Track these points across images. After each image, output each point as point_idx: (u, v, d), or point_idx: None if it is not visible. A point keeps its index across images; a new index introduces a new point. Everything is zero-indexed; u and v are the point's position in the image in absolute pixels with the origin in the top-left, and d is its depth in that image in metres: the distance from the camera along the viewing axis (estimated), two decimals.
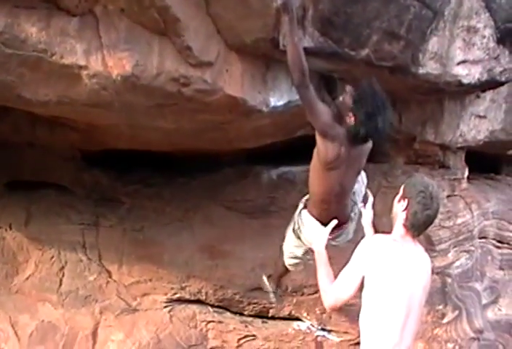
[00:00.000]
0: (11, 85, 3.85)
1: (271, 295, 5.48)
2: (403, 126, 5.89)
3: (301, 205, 4.67)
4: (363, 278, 3.90)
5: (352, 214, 4.73)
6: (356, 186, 4.72)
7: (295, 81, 3.96)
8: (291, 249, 4.85)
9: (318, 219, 4.51)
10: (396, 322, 3.91)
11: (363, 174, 4.84)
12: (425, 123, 6.06)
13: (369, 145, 4.48)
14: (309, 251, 4.67)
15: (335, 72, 4.77)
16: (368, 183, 4.90)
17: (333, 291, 3.98)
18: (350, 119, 4.12)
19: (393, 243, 3.94)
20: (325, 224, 4.47)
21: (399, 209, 3.98)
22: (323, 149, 4.18)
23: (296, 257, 4.87)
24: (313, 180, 4.43)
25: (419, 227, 3.97)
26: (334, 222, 4.36)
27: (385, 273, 3.88)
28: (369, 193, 4.79)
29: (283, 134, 4.90)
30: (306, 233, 4.40)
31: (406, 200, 3.94)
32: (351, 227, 4.75)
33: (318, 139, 4.17)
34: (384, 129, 4.18)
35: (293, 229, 4.69)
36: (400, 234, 3.98)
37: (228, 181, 6.07)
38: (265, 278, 5.41)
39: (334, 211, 4.49)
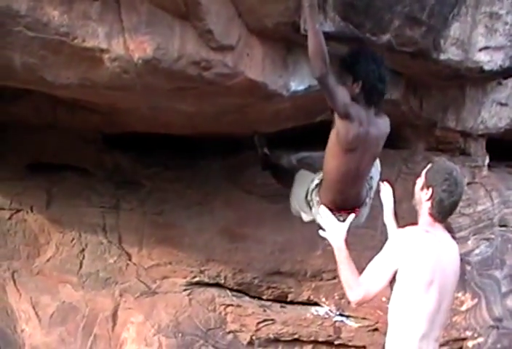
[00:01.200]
0: (33, 67, 3.85)
1: (259, 150, 5.51)
2: (423, 112, 5.86)
3: (316, 181, 4.66)
4: (395, 271, 3.84)
5: (367, 199, 4.71)
6: (373, 170, 4.72)
7: (317, 72, 3.93)
8: (298, 208, 4.84)
9: (332, 205, 4.48)
10: (427, 313, 3.87)
11: (377, 160, 4.85)
12: (446, 109, 6.03)
13: (387, 128, 4.51)
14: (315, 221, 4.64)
15: None
16: (382, 170, 4.88)
17: (363, 284, 3.89)
18: (353, 86, 4.19)
19: (427, 235, 3.89)
20: (339, 208, 4.47)
21: (423, 198, 3.96)
22: (343, 130, 4.18)
23: (300, 214, 4.88)
24: (329, 162, 4.42)
25: (445, 214, 3.94)
26: (352, 216, 4.32)
27: (420, 264, 3.83)
28: (381, 184, 4.74)
29: (303, 118, 4.90)
30: (323, 227, 4.33)
31: (431, 189, 3.91)
32: (365, 211, 4.74)
33: (338, 121, 4.17)
34: (385, 77, 4.27)
35: (305, 196, 4.69)
36: (429, 223, 3.94)
37: (248, 165, 6.06)
38: (255, 137, 5.49)
39: (349, 195, 4.49)
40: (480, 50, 5.12)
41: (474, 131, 6.32)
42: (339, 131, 4.22)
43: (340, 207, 4.51)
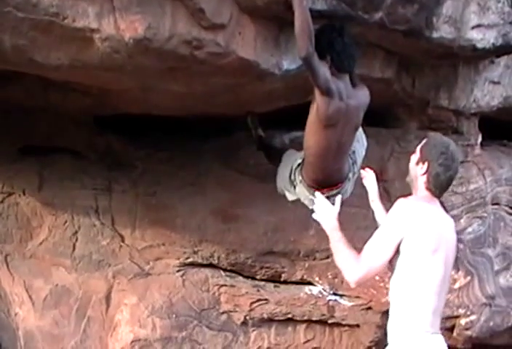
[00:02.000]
0: (23, 49, 3.84)
1: (253, 131, 5.53)
2: (416, 90, 5.85)
3: (299, 160, 4.68)
4: (400, 242, 3.79)
5: (350, 174, 4.72)
6: (357, 145, 4.73)
7: (303, 51, 3.95)
8: (283, 187, 4.87)
9: (315, 182, 4.50)
10: (434, 286, 3.84)
11: (363, 136, 4.86)
12: (439, 88, 6.03)
13: (367, 98, 4.53)
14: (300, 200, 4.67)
15: None
16: (373, 149, 4.87)
17: (364, 262, 3.82)
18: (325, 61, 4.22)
19: (429, 206, 3.89)
20: (322, 186, 4.47)
21: (419, 173, 3.93)
22: (323, 105, 4.20)
23: (284, 193, 4.90)
24: (309, 139, 4.45)
25: (441, 189, 3.92)
26: (340, 197, 4.31)
27: (426, 232, 3.81)
28: (363, 171, 4.71)
29: (296, 97, 4.88)
30: (314, 211, 4.29)
31: (426, 163, 3.88)
32: (348, 186, 4.74)
33: (319, 97, 4.19)
34: (350, 44, 4.29)
35: (289, 175, 4.73)
36: (428, 196, 3.92)
37: (241, 145, 6.06)
38: (248, 118, 5.51)
39: (331, 170, 4.50)
40: (472, 28, 5.12)
41: (467, 109, 6.32)
42: (319, 106, 4.24)
43: (323, 184, 4.53)
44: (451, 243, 3.98)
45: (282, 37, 4.35)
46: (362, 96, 4.53)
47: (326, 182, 4.53)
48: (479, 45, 5.22)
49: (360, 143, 4.86)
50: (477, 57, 5.61)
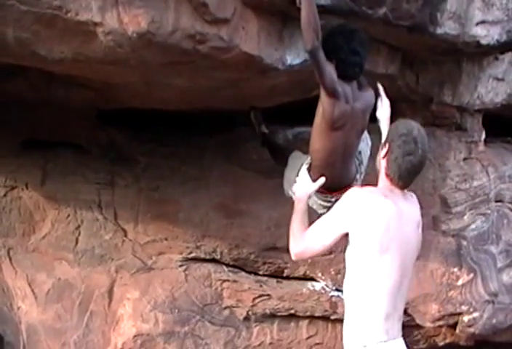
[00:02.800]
0: (26, 42, 3.83)
1: (257, 128, 5.51)
2: (420, 86, 5.84)
3: (305, 166, 4.64)
4: (344, 234, 3.66)
5: (357, 175, 4.70)
6: (362, 145, 4.71)
7: (309, 43, 3.95)
8: (291, 190, 4.73)
9: (323, 186, 4.40)
10: (388, 289, 3.65)
11: (367, 135, 4.85)
12: (443, 84, 6.01)
13: (372, 100, 4.52)
14: None
15: None
16: (372, 144, 4.86)
17: (305, 239, 3.76)
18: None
19: (383, 199, 3.66)
20: (330, 188, 4.43)
21: (381, 156, 3.74)
22: (329, 108, 4.19)
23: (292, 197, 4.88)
24: (316, 142, 4.43)
25: (401, 176, 3.67)
26: (323, 179, 4.27)
27: (376, 233, 3.61)
28: (379, 85, 4.69)
29: (299, 92, 4.88)
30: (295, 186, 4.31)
31: (387, 145, 3.69)
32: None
33: (324, 98, 4.19)
34: (358, 50, 4.26)
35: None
36: (387, 187, 3.71)
37: (244, 140, 6.06)
38: (252, 114, 5.49)
39: (339, 173, 4.47)
40: (477, 24, 5.10)
41: (470, 106, 6.30)
42: (325, 109, 4.23)
43: (332, 188, 4.50)
44: (410, 241, 3.78)
45: (286, 32, 4.34)
46: (368, 97, 4.52)
47: (335, 185, 4.48)
48: (483, 41, 5.20)
49: (365, 143, 4.83)
50: (481, 53, 5.60)
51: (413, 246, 3.83)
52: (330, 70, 4.16)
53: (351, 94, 4.30)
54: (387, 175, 3.72)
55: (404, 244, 3.71)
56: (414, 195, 3.98)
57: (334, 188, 4.50)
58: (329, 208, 4.51)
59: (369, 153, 4.91)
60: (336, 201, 4.17)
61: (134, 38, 3.74)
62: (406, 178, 3.70)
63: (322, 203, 4.59)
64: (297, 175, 4.68)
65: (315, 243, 3.76)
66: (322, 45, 4.04)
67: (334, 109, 4.21)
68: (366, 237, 3.63)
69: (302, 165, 4.69)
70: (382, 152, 3.75)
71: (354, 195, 3.74)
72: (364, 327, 3.68)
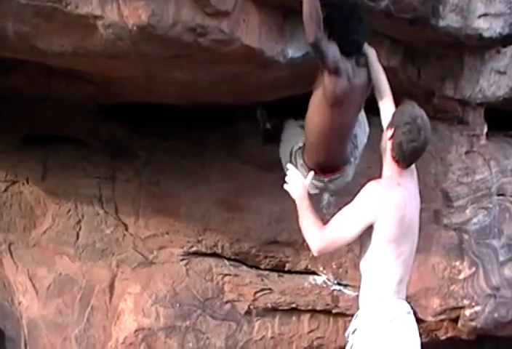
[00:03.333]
0: (26, 36, 3.83)
1: (261, 125, 5.55)
2: (421, 80, 5.82)
3: (300, 143, 4.70)
4: (369, 224, 3.89)
5: (352, 159, 4.75)
6: (358, 130, 4.73)
7: (312, 36, 3.96)
8: (284, 165, 4.78)
9: (316, 166, 4.51)
10: (403, 258, 4.01)
11: (366, 123, 4.87)
12: (445, 78, 5.99)
13: (368, 76, 4.51)
14: None
15: None
16: (371, 134, 4.88)
17: (328, 233, 3.89)
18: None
19: (399, 189, 3.96)
20: (324, 170, 4.52)
21: (387, 136, 3.99)
22: (330, 84, 4.21)
23: None
24: (313, 119, 4.46)
25: (405, 158, 3.96)
26: (312, 174, 4.29)
27: (397, 220, 3.92)
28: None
29: (301, 86, 4.86)
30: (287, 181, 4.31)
31: (393, 128, 3.94)
32: (350, 170, 4.77)
33: (327, 77, 4.21)
34: (355, 27, 4.28)
35: (290, 156, 4.80)
36: (396, 172, 3.99)
37: (245, 135, 6.04)
38: (258, 112, 5.52)
39: (334, 152, 4.50)
40: (479, 17, 5.09)
41: (472, 99, 6.28)
42: (326, 85, 4.25)
43: (325, 168, 4.54)
44: (415, 213, 4.11)
45: (287, 25, 4.33)
46: (365, 74, 4.53)
47: (329, 165, 4.55)
48: (486, 34, 5.19)
49: (362, 129, 4.87)
50: (483, 46, 5.58)
51: (417, 215, 4.16)
52: (334, 52, 4.17)
53: (351, 71, 4.32)
54: (392, 157, 3.98)
55: (413, 219, 4.08)
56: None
57: (327, 169, 4.59)
58: (321, 189, 4.73)
59: (365, 140, 4.95)
60: (329, 181, 4.55)
61: (134, 32, 3.73)
62: (409, 160, 4.01)
63: (315, 182, 4.61)
64: (290, 153, 4.79)
65: (340, 236, 3.92)
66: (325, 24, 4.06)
67: (335, 85, 4.24)
68: (389, 222, 3.91)
69: (297, 143, 4.74)
70: (388, 133, 3.99)
71: (374, 189, 3.95)
72: (380, 286, 4.03)
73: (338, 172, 4.66)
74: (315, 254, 4.05)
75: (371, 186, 3.97)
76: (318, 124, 4.42)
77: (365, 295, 4.13)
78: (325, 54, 4.08)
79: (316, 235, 3.91)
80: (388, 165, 4.06)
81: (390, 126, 4.00)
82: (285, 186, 4.21)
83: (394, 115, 4.04)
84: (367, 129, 4.96)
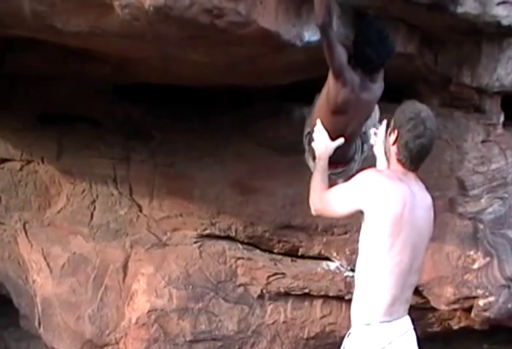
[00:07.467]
0: (42, 15, 3.84)
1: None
2: (438, 67, 5.78)
3: (308, 129, 4.73)
4: (358, 210, 3.70)
5: (356, 156, 4.78)
6: (369, 122, 4.71)
7: (320, 18, 3.98)
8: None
9: None
10: (398, 272, 3.68)
11: (377, 112, 4.83)
12: (462, 65, 5.94)
13: (380, 91, 4.51)
14: None
15: (370, 9, 4.67)
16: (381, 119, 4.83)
17: (324, 200, 3.91)
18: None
19: (399, 184, 3.67)
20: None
21: (390, 142, 3.73)
22: (333, 92, 4.23)
23: None
24: (316, 119, 4.46)
25: (413, 159, 3.70)
26: (341, 140, 4.34)
27: (390, 216, 3.62)
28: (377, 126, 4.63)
29: (316, 70, 4.83)
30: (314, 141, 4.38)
31: (396, 131, 3.68)
32: (354, 165, 4.80)
33: (331, 80, 4.23)
34: (378, 47, 4.29)
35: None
36: (401, 171, 3.72)
37: (260, 117, 6.04)
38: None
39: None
40: (498, 4, 5.04)
41: (489, 88, 6.22)
42: (330, 91, 4.29)
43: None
44: (422, 225, 3.78)
45: (304, 8, 4.28)
46: (376, 89, 4.53)
47: (330, 161, 4.52)
48: (504, 22, 5.15)
49: (372, 118, 4.82)
50: (501, 34, 5.52)
51: (425, 230, 3.83)
52: (340, 51, 4.18)
53: (359, 85, 4.32)
54: (398, 160, 3.74)
55: (416, 228, 3.71)
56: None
57: (329, 163, 4.54)
58: None
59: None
60: (331, 174, 4.51)
61: (150, 12, 3.72)
62: (417, 161, 3.73)
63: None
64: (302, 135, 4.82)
65: (331, 208, 3.89)
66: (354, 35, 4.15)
67: (338, 94, 4.27)
68: (380, 220, 3.65)
69: (307, 126, 4.80)
70: (391, 139, 3.74)
71: (371, 176, 3.73)
72: (370, 306, 3.74)
73: (341, 167, 4.71)
74: (312, 212, 4.07)
75: (368, 172, 3.77)
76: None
77: (355, 314, 3.83)
78: (332, 44, 4.10)
79: (316, 197, 3.97)
80: (392, 168, 3.83)
81: (391, 130, 3.74)
82: (312, 143, 4.36)
83: (394, 118, 3.76)
84: (377, 117, 4.90)
